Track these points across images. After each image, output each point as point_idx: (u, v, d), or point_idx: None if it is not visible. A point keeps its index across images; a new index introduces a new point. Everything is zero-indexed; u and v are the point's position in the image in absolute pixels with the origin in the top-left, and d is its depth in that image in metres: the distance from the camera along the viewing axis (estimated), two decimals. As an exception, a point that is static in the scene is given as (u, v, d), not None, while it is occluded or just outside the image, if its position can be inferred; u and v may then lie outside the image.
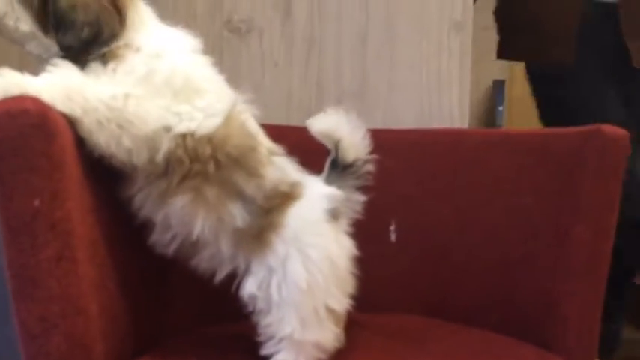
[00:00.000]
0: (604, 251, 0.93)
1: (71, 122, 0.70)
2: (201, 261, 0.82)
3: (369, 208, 0.91)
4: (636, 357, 1.91)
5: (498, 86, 2.99)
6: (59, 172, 0.66)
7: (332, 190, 0.87)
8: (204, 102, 0.78)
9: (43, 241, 0.64)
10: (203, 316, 0.98)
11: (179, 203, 0.77)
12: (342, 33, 1.23)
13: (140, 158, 0.74)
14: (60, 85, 0.70)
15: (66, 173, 0.67)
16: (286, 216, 0.82)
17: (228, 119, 0.79)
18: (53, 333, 0.65)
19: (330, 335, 0.82)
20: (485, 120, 3.24)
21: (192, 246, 0.81)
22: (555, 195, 0.98)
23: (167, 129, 0.75)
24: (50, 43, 0.75)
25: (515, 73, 2.85)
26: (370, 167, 0.91)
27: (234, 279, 0.83)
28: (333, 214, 0.86)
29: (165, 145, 0.75)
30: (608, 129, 0.93)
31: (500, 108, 2.87)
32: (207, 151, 0.77)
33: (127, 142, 0.73)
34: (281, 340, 0.80)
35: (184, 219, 0.78)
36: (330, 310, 0.82)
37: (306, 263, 0.80)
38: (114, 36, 0.75)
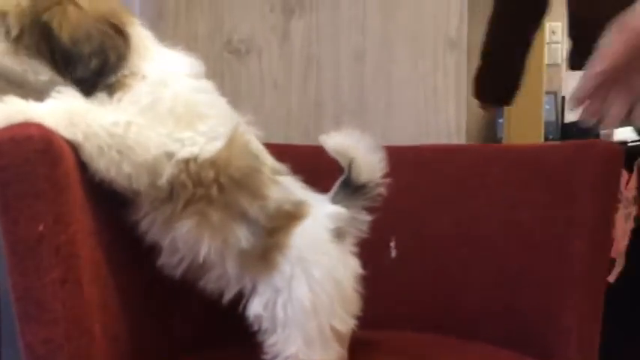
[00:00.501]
0: (601, 263, 0.93)
1: (74, 147, 0.71)
2: (209, 282, 0.82)
3: (370, 224, 0.91)
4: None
5: (498, 99, 3.01)
6: (63, 196, 0.67)
7: (337, 209, 0.87)
8: (207, 127, 0.78)
9: (47, 264, 0.65)
10: (206, 337, 0.98)
11: (184, 227, 0.77)
12: (340, 53, 1.26)
13: (140, 183, 0.75)
14: (63, 111, 0.71)
15: (69, 198, 0.68)
16: (291, 236, 0.82)
17: (231, 141, 0.80)
18: (58, 355, 0.65)
19: (334, 355, 0.82)
20: (486, 133, 3.26)
21: (199, 268, 0.81)
22: (552, 208, 0.99)
23: (169, 155, 0.75)
24: (69, 84, 0.76)
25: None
26: (382, 189, 0.90)
27: (238, 299, 0.83)
28: (338, 234, 0.85)
29: (168, 171, 0.75)
30: (603, 143, 0.94)
31: (501, 120, 2.89)
32: (210, 174, 0.77)
33: (126, 167, 0.73)
34: (286, 359, 0.80)
35: (190, 242, 0.78)
36: (335, 331, 0.82)
37: (311, 283, 0.81)
38: (122, 59, 0.76)
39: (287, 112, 1.26)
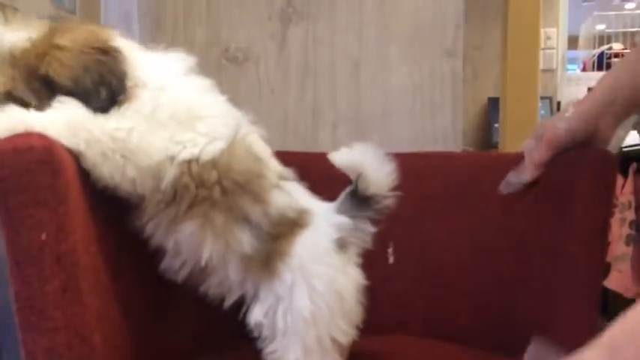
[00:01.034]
0: (597, 271, 0.94)
1: (76, 156, 0.72)
2: (211, 287, 0.82)
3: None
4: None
5: (493, 104, 3.03)
6: (64, 205, 0.67)
7: (341, 219, 0.86)
8: (207, 127, 0.78)
9: (49, 273, 0.65)
10: (206, 344, 0.98)
11: (188, 229, 0.77)
12: (337, 60, 1.26)
13: (145, 188, 0.75)
14: (64, 121, 0.71)
15: (71, 206, 0.69)
16: (293, 244, 0.81)
17: (233, 144, 0.79)
18: (59, 363, 0.66)
19: None
20: (482, 137, 3.27)
21: (201, 272, 0.81)
22: (547, 216, 1.00)
23: (171, 158, 0.75)
24: None
25: (510, 91, 2.88)
26: (391, 202, 0.89)
27: (239, 306, 0.83)
28: (341, 244, 0.84)
29: (170, 173, 0.75)
30: (597, 150, 0.95)
31: (497, 125, 2.90)
32: (212, 176, 0.77)
33: (131, 172, 0.73)
34: None
35: (193, 245, 0.78)
36: (335, 341, 0.81)
37: (312, 294, 0.80)
38: (122, 77, 0.76)
39: (284, 119, 1.26)
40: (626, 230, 2.26)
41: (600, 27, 3.62)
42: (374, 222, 0.88)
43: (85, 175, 0.73)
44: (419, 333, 1.08)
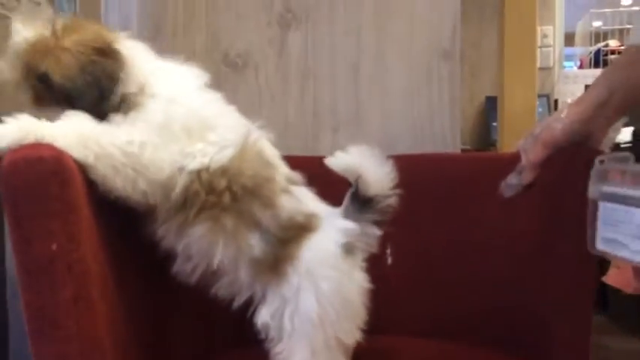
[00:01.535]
0: (590, 268, 0.96)
1: (83, 167, 0.72)
2: (221, 288, 0.83)
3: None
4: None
5: (491, 102, 3.04)
6: (74, 215, 0.68)
7: (348, 224, 0.87)
8: (217, 136, 0.79)
9: (61, 283, 0.66)
10: (210, 348, 1.00)
11: (198, 232, 0.79)
12: (336, 65, 1.27)
13: (155, 199, 0.77)
14: (74, 133, 0.72)
15: (80, 216, 0.70)
16: (301, 248, 0.82)
17: (243, 149, 0.81)
18: (72, 372, 0.66)
19: None
20: (480, 136, 3.28)
21: (212, 274, 0.82)
22: (540, 215, 1.02)
23: (181, 170, 0.77)
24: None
25: (507, 89, 2.89)
26: (392, 202, 0.90)
27: (245, 308, 0.84)
28: (348, 249, 0.86)
29: (181, 182, 0.77)
30: (586, 150, 0.96)
31: (495, 124, 2.91)
32: (222, 183, 0.78)
33: (142, 185, 0.75)
34: None
35: (204, 248, 0.80)
36: (341, 343, 0.83)
37: (319, 296, 0.81)
38: (114, 79, 0.77)
39: (284, 123, 1.27)
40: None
41: (597, 24, 3.63)
42: (378, 224, 0.89)
43: (91, 183, 0.74)
44: (417, 333, 1.09)
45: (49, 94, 0.77)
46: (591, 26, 3.64)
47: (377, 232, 0.89)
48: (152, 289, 0.87)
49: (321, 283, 0.82)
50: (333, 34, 1.27)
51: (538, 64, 3.15)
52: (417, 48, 1.26)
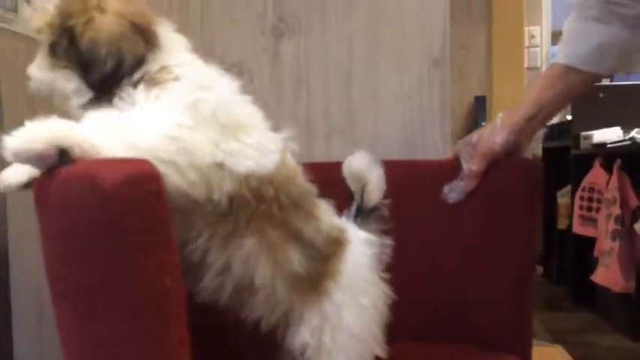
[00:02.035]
0: (531, 266, 1.13)
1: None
2: (252, 307, 0.78)
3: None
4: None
5: (480, 102, 3.07)
6: (174, 243, 0.58)
7: (369, 236, 0.87)
8: (252, 139, 0.74)
9: (174, 323, 0.56)
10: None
11: (248, 244, 0.73)
12: (328, 73, 1.29)
13: (201, 193, 0.68)
14: (114, 133, 0.64)
15: (174, 243, 0.59)
16: (343, 262, 0.80)
17: (284, 160, 0.77)
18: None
19: None
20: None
21: (244, 291, 0.76)
22: (494, 219, 1.07)
23: (220, 165, 0.70)
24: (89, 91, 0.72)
25: (496, 89, 2.93)
26: (386, 210, 0.91)
27: (258, 325, 0.80)
28: (374, 259, 0.86)
29: (228, 185, 0.70)
30: (526, 161, 1.08)
31: (484, 123, 2.94)
32: (270, 191, 0.74)
33: (191, 174, 0.66)
34: None
35: (247, 262, 0.74)
36: (374, 355, 0.83)
37: (359, 310, 0.80)
38: (139, 61, 0.72)
39: (278, 131, 1.29)
40: (612, 226, 2.32)
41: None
42: (384, 232, 0.90)
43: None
44: (406, 336, 1.11)
45: (65, 53, 0.72)
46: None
47: (388, 241, 0.89)
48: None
49: (361, 297, 0.81)
50: (326, 43, 1.29)
51: (526, 64, 3.20)
52: (408, 56, 1.28)
